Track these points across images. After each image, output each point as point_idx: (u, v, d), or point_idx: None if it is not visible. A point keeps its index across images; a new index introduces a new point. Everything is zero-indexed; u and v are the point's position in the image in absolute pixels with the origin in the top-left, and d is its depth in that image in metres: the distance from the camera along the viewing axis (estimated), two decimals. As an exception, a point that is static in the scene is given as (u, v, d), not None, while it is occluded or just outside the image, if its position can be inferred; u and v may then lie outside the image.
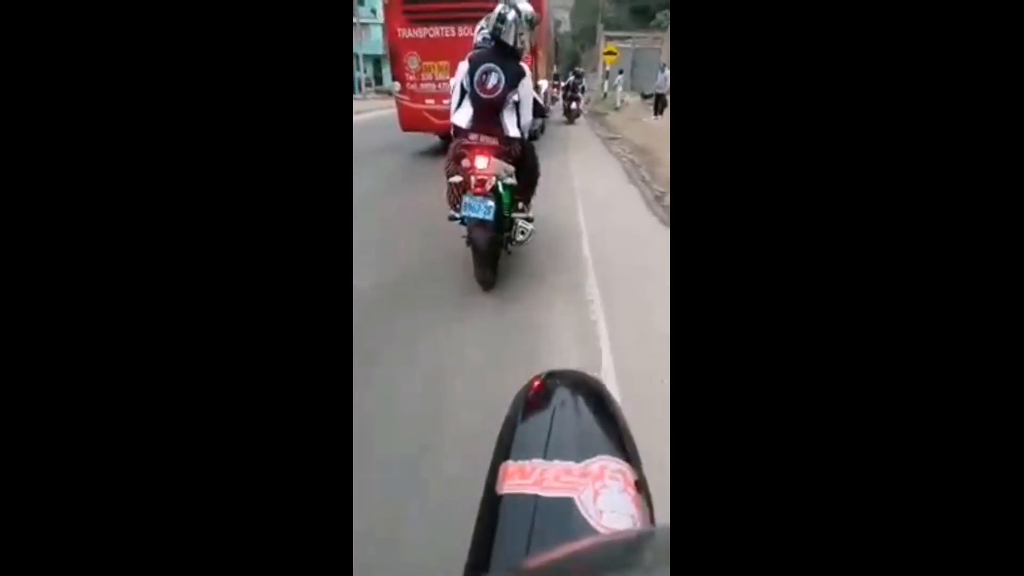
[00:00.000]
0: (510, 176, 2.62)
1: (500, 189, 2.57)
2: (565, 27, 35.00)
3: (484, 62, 2.52)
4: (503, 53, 2.54)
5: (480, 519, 0.49)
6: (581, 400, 0.60)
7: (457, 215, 2.66)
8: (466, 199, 2.49)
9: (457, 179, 2.57)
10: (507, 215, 2.71)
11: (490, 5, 5.17)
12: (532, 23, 2.58)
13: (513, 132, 2.59)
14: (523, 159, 2.71)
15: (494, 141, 2.55)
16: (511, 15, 2.51)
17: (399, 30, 6.03)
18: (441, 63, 5.93)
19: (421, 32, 5.96)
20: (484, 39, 2.63)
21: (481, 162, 2.48)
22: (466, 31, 5.46)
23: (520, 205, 2.89)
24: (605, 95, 18.41)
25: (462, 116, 2.61)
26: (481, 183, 2.46)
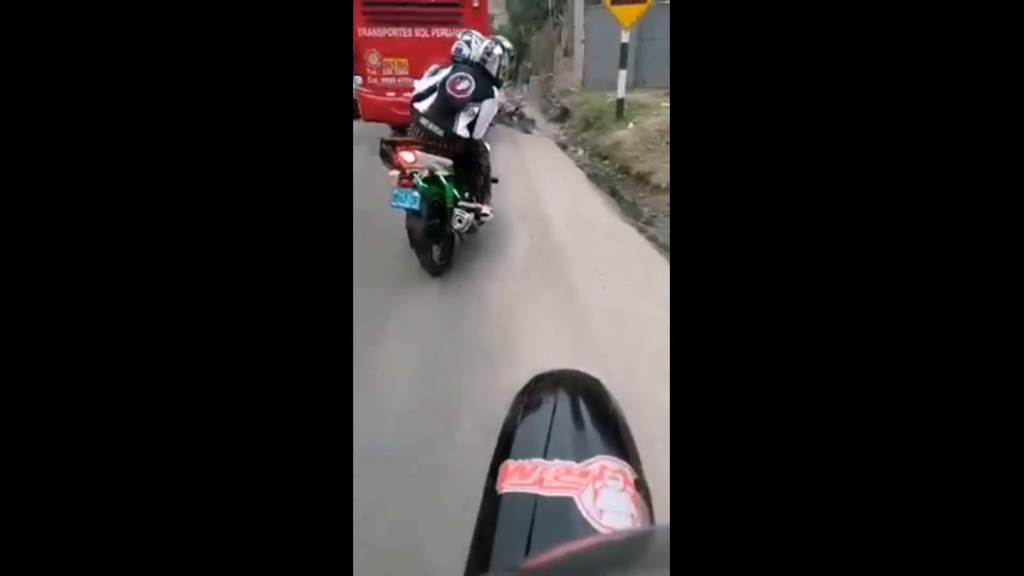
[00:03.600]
0: (446, 168, 2.83)
1: (443, 180, 2.81)
2: (501, 21, 26.68)
3: (462, 71, 2.91)
4: (483, 75, 2.94)
5: (480, 518, 0.49)
6: (581, 400, 0.60)
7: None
8: (395, 191, 2.67)
9: (395, 173, 2.76)
10: (448, 205, 2.93)
11: (440, 11, 5.75)
12: (512, 57, 3.04)
13: (460, 131, 2.87)
14: (467, 156, 3.01)
15: (439, 132, 2.83)
16: (497, 50, 3.01)
17: (360, 29, 6.42)
18: (400, 60, 6.50)
19: (380, 31, 6.47)
20: (465, 59, 2.97)
21: (408, 156, 2.67)
22: (421, 33, 6.28)
23: (467, 195, 3.10)
24: (622, 107, 6.84)
25: (425, 103, 2.92)
26: (408, 176, 2.69)
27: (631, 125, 6.49)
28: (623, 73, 7.15)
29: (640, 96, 7.84)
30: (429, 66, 3.80)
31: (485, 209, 3.13)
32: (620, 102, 7.19)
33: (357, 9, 6.27)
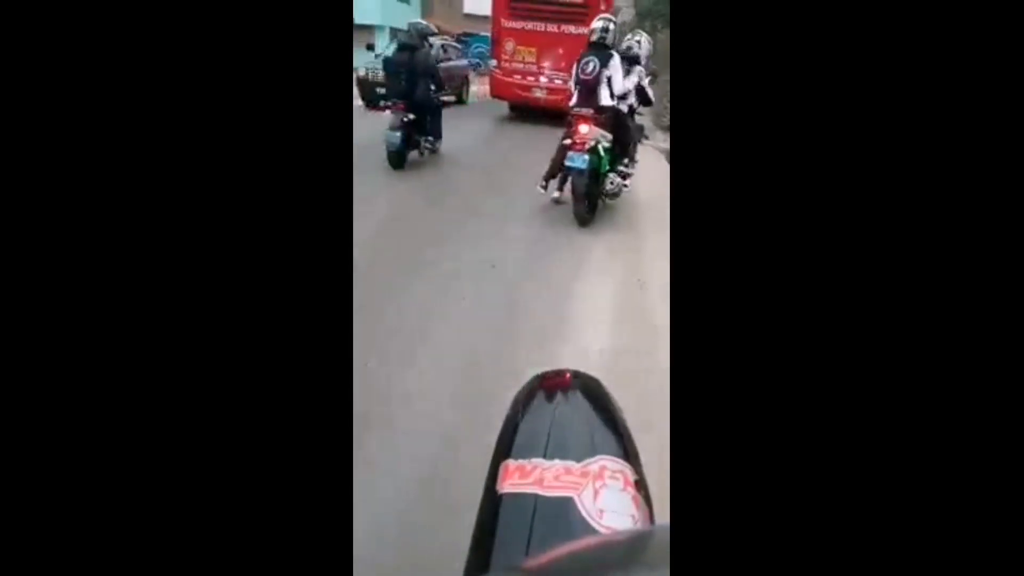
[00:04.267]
0: (607, 141, 3.73)
1: (601, 152, 3.68)
2: (626, 16, 28.92)
3: (585, 56, 3.79)
4: (600, 48, 3.79)
5: (480, 518, 0.49)
6: (581, 400, 0.60)
7: (544, 184, 4.00)
8: (570, 154, 3.60)
9: (568, 140, 3.71)
10: (603, 172, 3.81)
11: (572, 11, 7.31)
12: (619, 29, 4.02)
13: (606, 101, 3.74)
14: (617, 126, 3.86)
15: (591, 111, 3.73)
16: (611, 26, 3.90)
17: (502, 20, 7.97)
18: (530, 49, 7.93)
19: (518, 24, 7.90)
20: (590, 43, 3.91)
21: (583, 128, 3.65)
22: (551, 28, 7.64)
23: (625, 162, 4.09)
24: None
25: (573, 99, 3.87)
26: (581, 143, 3.60)
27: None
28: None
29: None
30: (552, 56, 6.37)
31: (627, 182, 4.17)
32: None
33: (503, 4, 7.88)
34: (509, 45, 7.89)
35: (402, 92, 4.56)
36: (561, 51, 7.44)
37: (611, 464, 0.49)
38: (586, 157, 3.49)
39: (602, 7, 7.20)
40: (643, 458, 0.55)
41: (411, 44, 4.55)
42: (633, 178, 4.59)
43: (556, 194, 3.93)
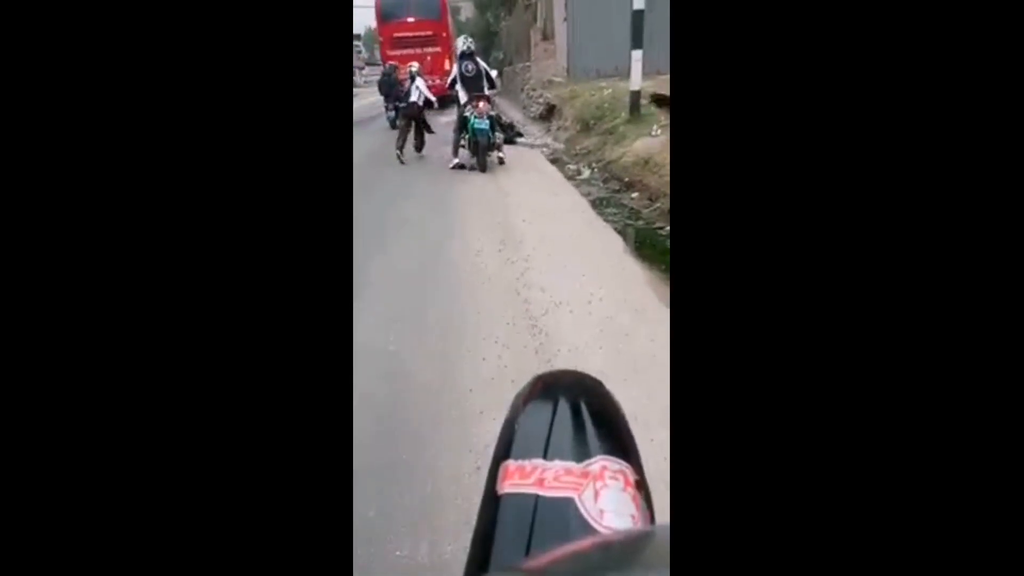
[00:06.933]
0: (492, 111, 6.24)
1: (488, 121, 6.08)
2: (467, 13, 27.42)
3: (463, 62, 6.35)
4: (469, 56, 6.26)
5: (480, 518, 0.49)
6: (581, 400, 0.59)
7: (455, 158, 6.75)
8: (476, 120, 6.03)
9: (469, 111, 6.12)
10: (490, 132, 6.23)
11: (428, 40, 15.49)
12: (474, 42, 6.68)
13: (488, 91, 6.37)
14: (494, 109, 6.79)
15: (484, 95, 6.20)
16: (467, 43, 6.46)
17: (388, 52, 13.40)
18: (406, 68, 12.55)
19: (397, 52, 12.99)
20: (460, 53, 6.46)
21: (483, 104, 6.11)
22: (418, 51, 12.66)
23: (497, 132, 6.44)
24: (638, 103, 5.46)
25: (458, 87, 6.37)
26: (481, 114, 6.02)
27: (657, 130, 4.87)
28: (638, 55, 5.10)
29: (651, 86, 5.47)
30: (424, 68, 9.03)
31: (502, 154, 6.73)
32: (635, 96, 5.20)
33: (387, 42, 13.81)
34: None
35: (389, 94, 9.76)
36: (429, 60, 12.64)
37: (611, 464, 0.48)
38: (487, 121, 6.05)
39: (443, 34, 13.37)
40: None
41: (389, 72, 10.11)
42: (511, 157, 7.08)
43: (456, 159, 6.57)
